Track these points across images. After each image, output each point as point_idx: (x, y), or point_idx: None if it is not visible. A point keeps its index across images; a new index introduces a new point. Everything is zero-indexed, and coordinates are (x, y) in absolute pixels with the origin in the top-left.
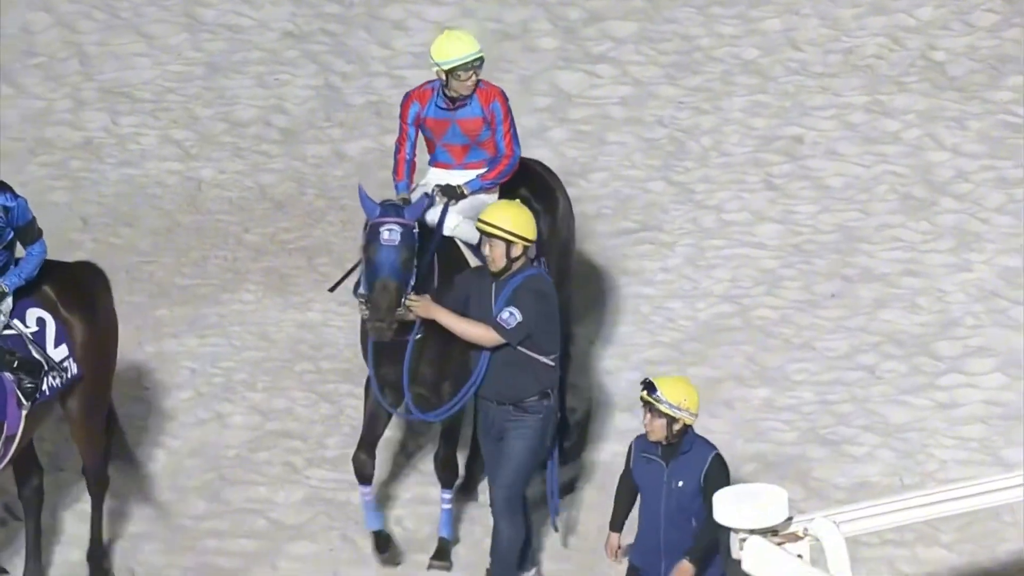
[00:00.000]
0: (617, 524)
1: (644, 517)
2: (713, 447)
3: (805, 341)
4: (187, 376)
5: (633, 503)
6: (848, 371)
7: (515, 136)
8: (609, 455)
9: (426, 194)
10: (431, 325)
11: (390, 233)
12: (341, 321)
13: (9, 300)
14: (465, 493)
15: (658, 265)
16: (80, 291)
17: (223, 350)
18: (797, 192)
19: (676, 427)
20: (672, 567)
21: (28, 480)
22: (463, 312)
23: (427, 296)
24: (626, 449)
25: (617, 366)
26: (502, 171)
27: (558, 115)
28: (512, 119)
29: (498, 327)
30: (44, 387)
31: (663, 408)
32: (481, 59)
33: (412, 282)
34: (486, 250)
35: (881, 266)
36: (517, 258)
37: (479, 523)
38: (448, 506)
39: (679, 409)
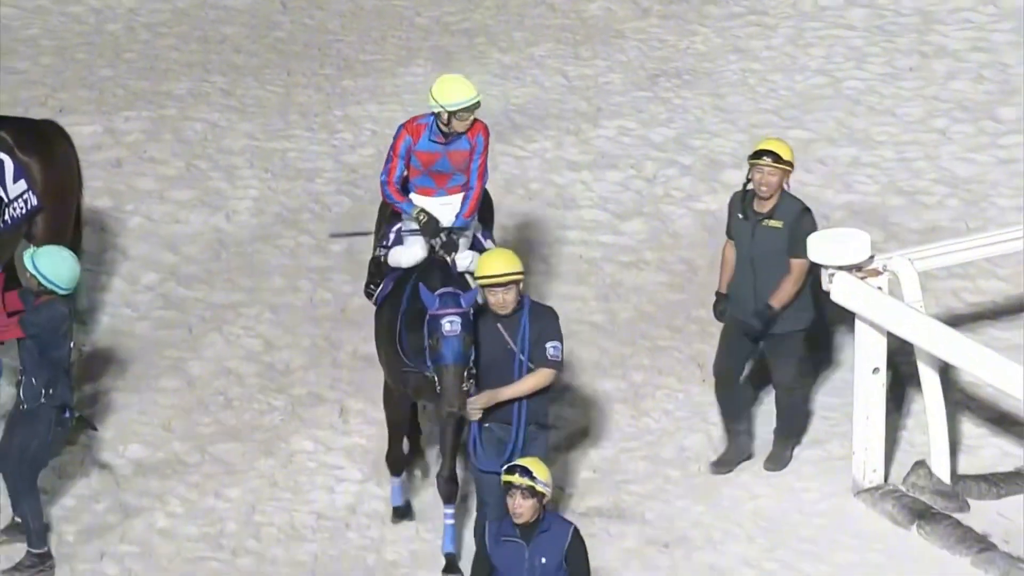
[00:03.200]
0: None
1: None
2: (570, 523)
3: (887, 107)
4: (369, 136)
5: None
6: (923, 133)
7: (486, 170)
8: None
9: (467, 272)
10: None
11: (452, 325)
12: (496, 91)
13: None
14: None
15: (763, 44)
16: (37, 137)
17: (399, 115)
18: None
19: (544, 501)
20: None
21: None
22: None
23: (485, 393)
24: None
25: (727, 128)
26: (476, 205)
27: None
28: (488, 153)
29: (552, 364)
30: (5, 217)
31: (539, 488)
32: (479, 102)
33: (472, 356)
34: (499, 298)
35: (953, 43)
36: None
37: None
38: (451, 521)
39: (548, 486)
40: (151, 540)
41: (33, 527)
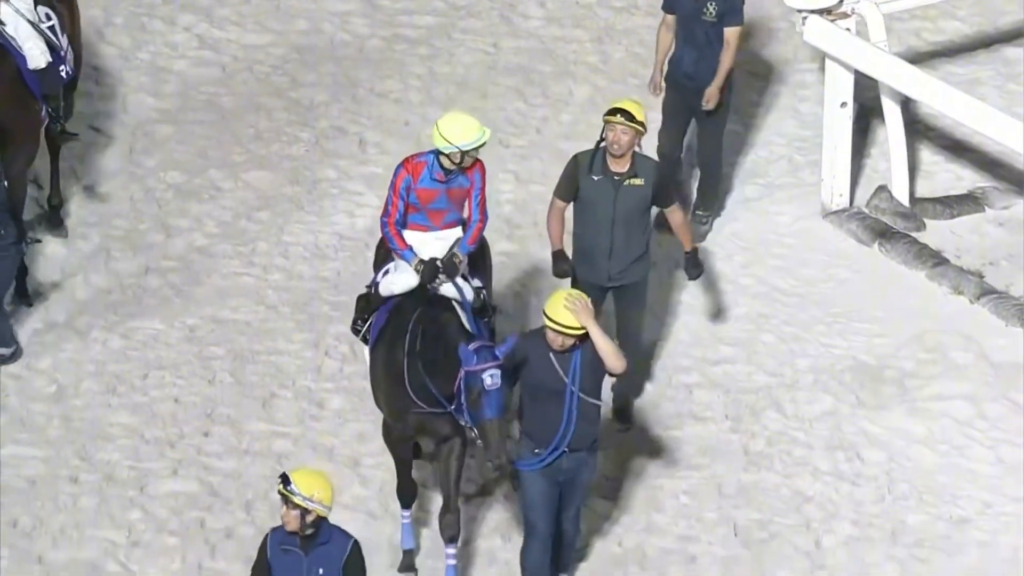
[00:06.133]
0: None
1: None
2: (351, 537)
3: None
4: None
5: None
6: None
7: (485, 202)
8: None
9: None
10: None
11: (492, 379)
12: None
13: None
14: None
15: None
16: None
17: None
18: None
19: (309, 518)
20: None
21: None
22: (516, 375)
23: (586, 307)
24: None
25: None
26: (478, 236)
27: None
28: (486, 189)
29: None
30: (68, 68)
31: (297, 500)
32: (485, 143)
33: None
34: (560, 342)
35: None
36: None
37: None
38: (453, 561)
39: (311, 501)
40: (190, 257)
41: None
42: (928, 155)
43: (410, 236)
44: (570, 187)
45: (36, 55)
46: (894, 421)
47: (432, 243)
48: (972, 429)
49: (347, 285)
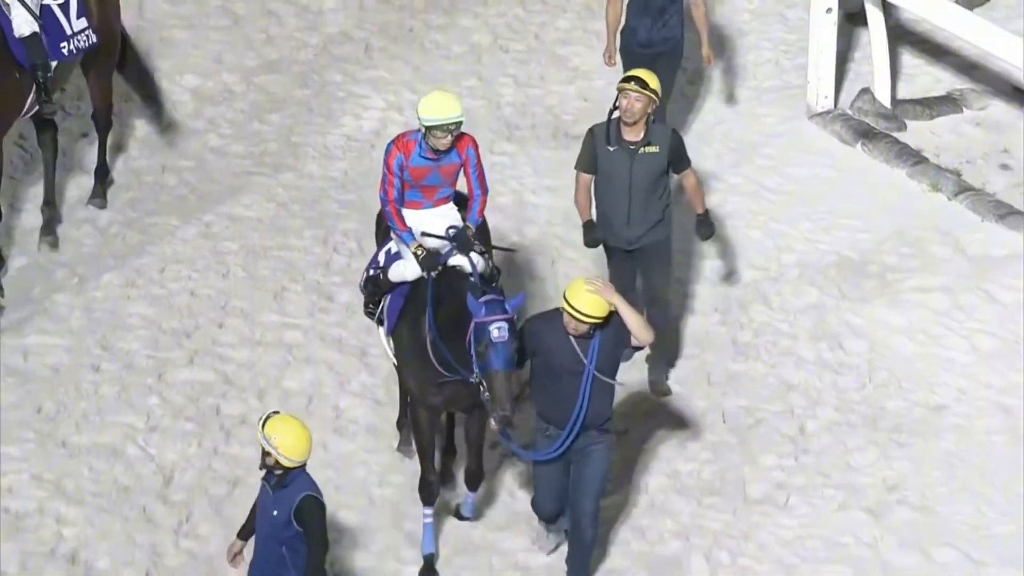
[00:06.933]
0: (242, 532)
1: (256, 536)
2: (309, 488)
3: None
4: None
5: None
6: None
7: (484, 176)
8: None
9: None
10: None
11: (500, 331)
12: None
13: None
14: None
15: None
16: None
17: None
18: None
19: (269, 460)
20: None
21: (45, 127)
22: (534, 360)
23: (608, 286)
24: None
25: None
26: (484, 207)
27: None
28: (481, 163)
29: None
30: (71, 47)
31: (259, 438)
32: (459, 123)
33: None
34: (573, 326)
35: None
36: None
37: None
38: (472, 500)
39: (269, 444)
40: (205, 156)
41: None
42: (909, 59)
43: (407, 215)
44: (590, 159)
45: (20, 23)
46: (875, 313)
47: (429, 219)
48: (949, 319)
49: (354, 184)
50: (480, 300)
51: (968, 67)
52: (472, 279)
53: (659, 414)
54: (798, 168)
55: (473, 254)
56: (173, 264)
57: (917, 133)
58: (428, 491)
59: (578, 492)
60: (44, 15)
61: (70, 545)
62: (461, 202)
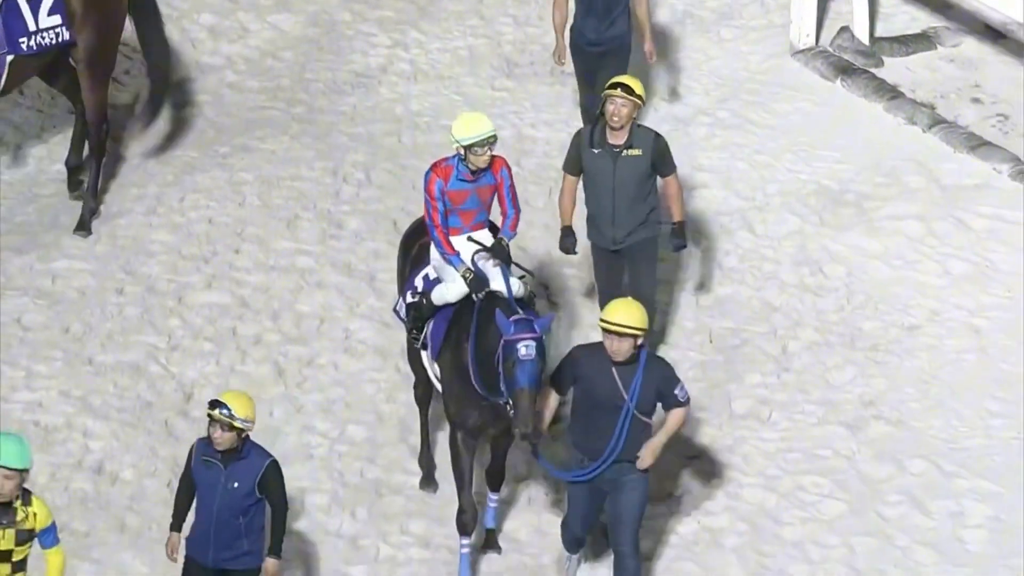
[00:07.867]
0: (177, 525)
1: (200, 513)
2: (269, 455)
3: None
4: None
5: (191, 503)
6: None
7: (516, 196)
8: None
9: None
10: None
11: (527, 350)
12: None
13: None
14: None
15: None
16: None
17: None
18: None
19: (226, 434)
20: (220, 558)
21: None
22: (575, 389)
23: (650, 450)
24: None
25: None
26: (517, 222)
27: None
28: (514, 184)
29: (683, 404)
30: (32, 44)
31: (236, 424)
32: (495, 137)
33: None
34: (613, 345)
35: None
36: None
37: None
38: (495, 505)
39: (247, 422)
40: (221, 91)
41: None
42: None
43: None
44: (575, 161)
45: None
46: (853, 239)
47: (466, 244)
48: (923, 245)
49: (362, 118)
50: (510, 319)
51: (943, 6)
52: (507, 299)
53: (650, 336)
54: (781, 103)
55: (513, 279)
56: (192, 194)
57: (894, 69)
58: (464, 522)
59: (617, 524)
60: (6, 5)
61: (96, 457)
62: (493, 230)
